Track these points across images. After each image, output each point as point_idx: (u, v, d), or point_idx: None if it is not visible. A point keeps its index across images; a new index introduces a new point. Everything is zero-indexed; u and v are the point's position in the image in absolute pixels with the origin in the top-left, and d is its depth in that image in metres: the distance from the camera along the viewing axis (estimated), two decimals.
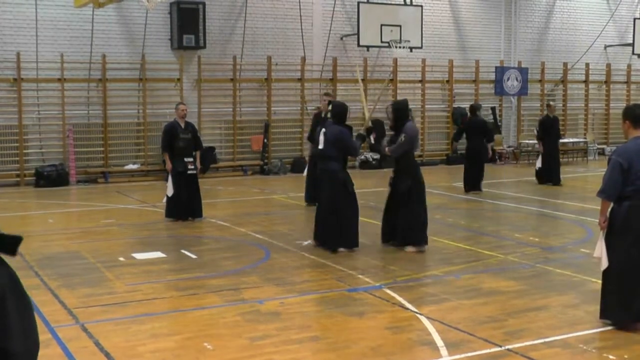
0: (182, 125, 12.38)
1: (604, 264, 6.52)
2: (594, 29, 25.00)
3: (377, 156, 19.97)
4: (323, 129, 9.91)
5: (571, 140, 23.98)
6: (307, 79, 20.59)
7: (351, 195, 9.80)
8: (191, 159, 12.34)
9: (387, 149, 10.11)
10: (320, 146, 9.87)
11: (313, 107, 20.83)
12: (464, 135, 16.21)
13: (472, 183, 15.78)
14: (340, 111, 9.93)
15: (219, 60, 19.50)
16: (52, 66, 17.59)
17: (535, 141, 22.55)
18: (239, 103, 19.83)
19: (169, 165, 12.32)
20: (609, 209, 6.54)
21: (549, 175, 17.12)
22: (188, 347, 6.13)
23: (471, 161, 15.92)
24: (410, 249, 9.79)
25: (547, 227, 11.98)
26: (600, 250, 6.57)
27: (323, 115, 13.33)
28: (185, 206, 12.27)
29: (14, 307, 2.22)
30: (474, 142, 15.89)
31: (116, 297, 7.63)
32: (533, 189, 16.57)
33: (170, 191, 12.24)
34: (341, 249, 9.73)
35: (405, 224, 9.83)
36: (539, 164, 17.39)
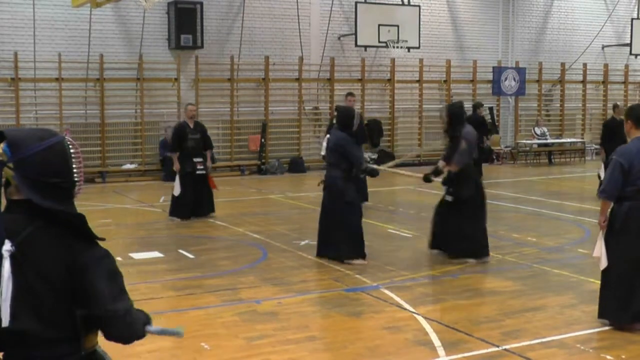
0: (191, 125, 12.51)
1: (603, 263, 6.50)
2: (592, 29, 25.00)
3: (374, 156, 19.92)
4: (327, 135, 9.49)
5: (568, 140, 24.00)
6: (304, 79, 20.58)
7: (349, 205, 9.12)
8: (200, 159, 12.41)
9: (440, 163, 9.35)
10: (323, 152, 9.47)
11: (311, 107, 20.87)
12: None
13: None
14: (345, 117, 9.30)
15: (216, 60, 19.49)
16: (49, 66, 17.56)
17: (533, 141, 22.74)
18: (236, 103, 19.82)
19: (176, 166, 12.38)
20: (609, 209, 6.53)
21: None
22: (185, 347, 6.13)
23: None
24: (471, 261, 9.11)
25: (545, 228, 11.97)
26: (599, 250, 6.55)
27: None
28: (190, 206, 12.31)
29: (105, 280, 2.61)
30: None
31: None
32: (530, 189, 16.58)
33: (177, 191, 12.30)
34: (351, 261, 9.07)
35: (462, 235, 9.06)
36: (602, 173, 15.52)
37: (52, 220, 2.53)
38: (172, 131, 12.91)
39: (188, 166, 12.27)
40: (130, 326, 2.64)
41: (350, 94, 14.04)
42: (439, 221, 9.36)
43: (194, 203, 12.31)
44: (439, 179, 9.36)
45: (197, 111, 18.98)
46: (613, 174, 6.36)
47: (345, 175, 9.13)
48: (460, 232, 9.08)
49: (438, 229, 9.39)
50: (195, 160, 12.33)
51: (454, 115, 9.24)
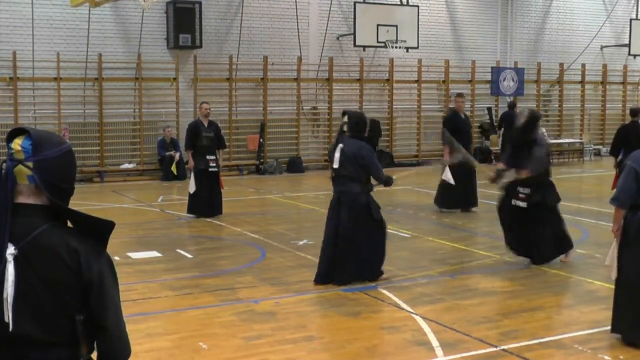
0: (205, 123, 12.59)
1: (614, 274, 6.24)
2: (590, 29, 25.01)
3: None
4: (340, 145, 8.17)
5: (567, 140, 24.02)
6: (303, 78, 20.58)
7: (377, 222, 8.19)
8: (213, 157, 12.50)
9: (499, 165, 9.16)
10: (336, 165, 8.15)
11: (309, 107, 20.87)
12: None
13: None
14: (358, 122, 8.24)
15: (215, 60, 19.49)
16: (48, 65, 17.55)
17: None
18: (235, 103, 19.82)
19: (191, 163, 12.52)
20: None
21: None
22: (183, 346, 6.13)
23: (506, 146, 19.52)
24: (564, 257, 9.07)
25: None
26: (611, 259, 6.28)
27: (463, 116, 13.62)
28: (206, 203, 12.42)
29: (110, 289, 2.55)
30: (508, 132, 18.52)
31: None
32: None
33: (192, 188, 12.41)
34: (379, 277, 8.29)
35: (553, 236, 8.95)
36: None
37: (59, 224, 2.52)
38: (186, 129, 13.05)
39: (201, 163, 12.38)
40: (125, 344, 2.61)
41: (459, 95, 13.86)
42: (520, 231, 9.04)
43: (208, 200, 12.44)
44: (505, 180, 9.16)
45: (196, 111, 19.05)
46: (626, 181, 6.01)
47: (367, 188, 8.16)
48: (546, 235, 8.91)
49: (519, 238, 9.08)
50: (209, 157, 12.44)
51: (532, 120, 8.96)
